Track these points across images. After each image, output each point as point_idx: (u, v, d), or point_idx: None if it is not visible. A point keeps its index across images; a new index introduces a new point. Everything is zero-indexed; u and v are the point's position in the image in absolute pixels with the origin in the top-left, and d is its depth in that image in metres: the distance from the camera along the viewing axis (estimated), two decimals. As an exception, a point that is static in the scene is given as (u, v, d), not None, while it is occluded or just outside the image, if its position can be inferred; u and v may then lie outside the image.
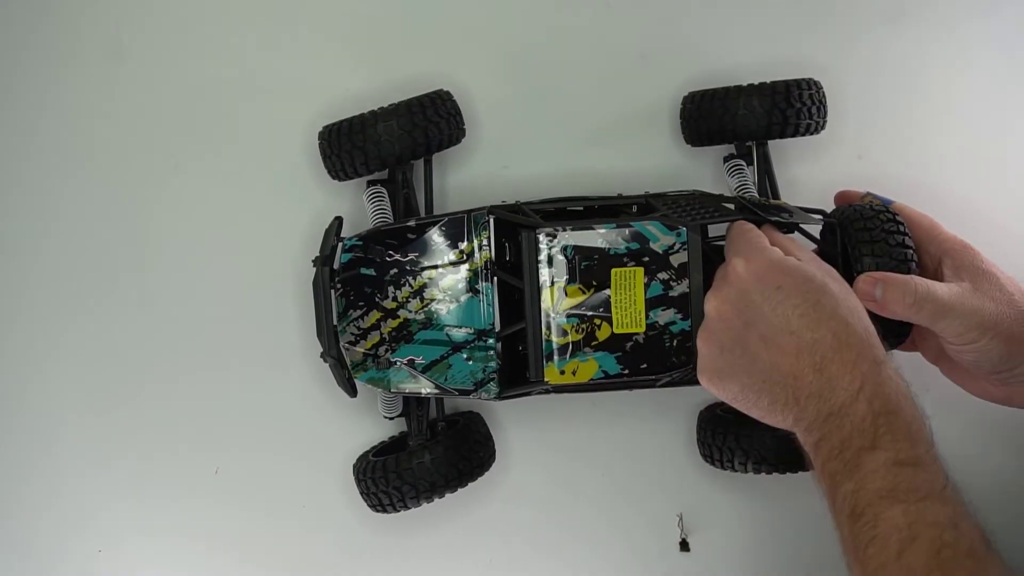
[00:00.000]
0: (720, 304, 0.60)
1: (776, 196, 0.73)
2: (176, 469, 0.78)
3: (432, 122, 0.69)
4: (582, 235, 0.64)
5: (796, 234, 0.69)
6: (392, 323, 0.68)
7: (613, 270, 0.64)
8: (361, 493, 0.72)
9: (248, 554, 0.79)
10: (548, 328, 0.65)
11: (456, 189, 0.78)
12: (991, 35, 0.80)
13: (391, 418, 0.74)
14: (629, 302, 0.64)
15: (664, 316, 0.64)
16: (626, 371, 0.65)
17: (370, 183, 0.73)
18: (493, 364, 0.67)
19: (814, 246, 0.69)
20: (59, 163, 0.78)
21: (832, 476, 0.54)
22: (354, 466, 0.73)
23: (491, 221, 0.66)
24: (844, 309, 0.58)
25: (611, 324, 0.64)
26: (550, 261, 0.64)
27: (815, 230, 0.69)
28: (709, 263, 0.65)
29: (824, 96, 0.72)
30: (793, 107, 0.70)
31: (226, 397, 0.78)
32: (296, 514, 0.79)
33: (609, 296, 0.64)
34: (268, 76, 0.78)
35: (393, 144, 0.68)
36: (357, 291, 0.68)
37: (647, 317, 0.64)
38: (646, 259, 0.64)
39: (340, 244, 0.69)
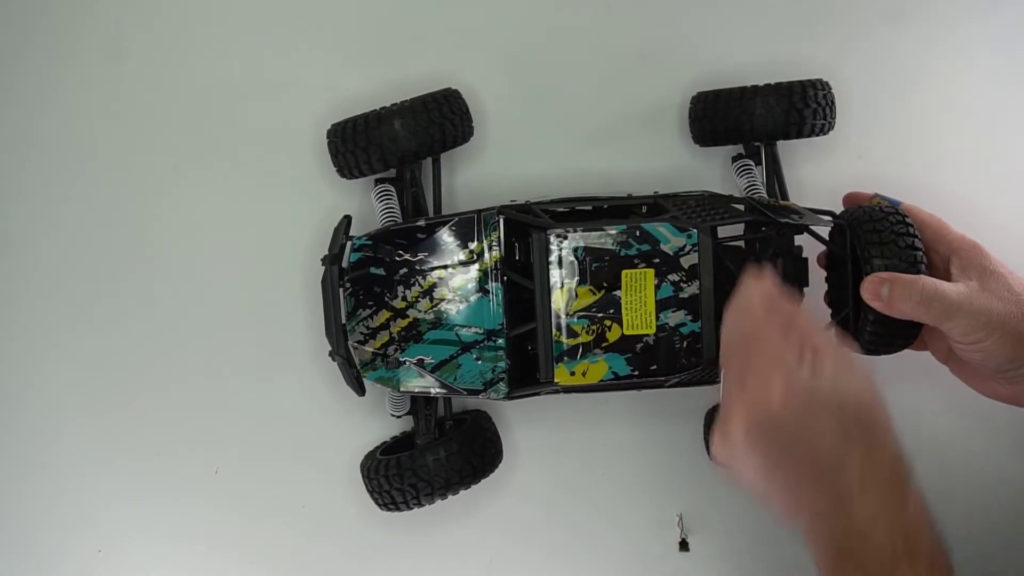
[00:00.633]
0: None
1: (785, 197, 0.74)
2: (176, 469, 0.78)
3: (442, 120, 0.69)
4: (592, 236, 0.64)
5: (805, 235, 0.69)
6: (401, 322, 0.67)
7: (624, 271, 0.64)
8: (370, 491, 0.71)
9: (248, 554, 0.78)
10: (558, 329, 0.64)
11: (464, 188, 0.78)
12: (991, 35, 0.80)
13: (398, 416, 0.73)
14: (639, 303, 0.64)
15: (674, 318, 0.64)
16: (636, 372, 0.65)
17: (378, 181, 0.72)
18: (503, 364, 0.66)
19: (822, 248, 0.70)
20: (59, 163, 0.78)
21: None
22: (362, 464, 0.73)
23: (501, 221, 0.66)
24: None
25: (621, 325, 0.64)
26: (560, 262, 0.64)
27: (824, 231, 0.69)
28: (719, 264, 0.65)
29: (833, 97, 0.72)
30: (809, 107, 0.70)
31: (228, 396, 0.78)
32: (296, 514, 0.78)
33: (619, 297, 0.64)
34: (270, 75, 0.78)
35: (403, 142, 0.68)
36: (366, 290, 0.68)
37: (657, 319, 0.64)
38: (656, 260, 0.64)
39: (349, 243, 0.68)
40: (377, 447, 0.76)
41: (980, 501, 0.79)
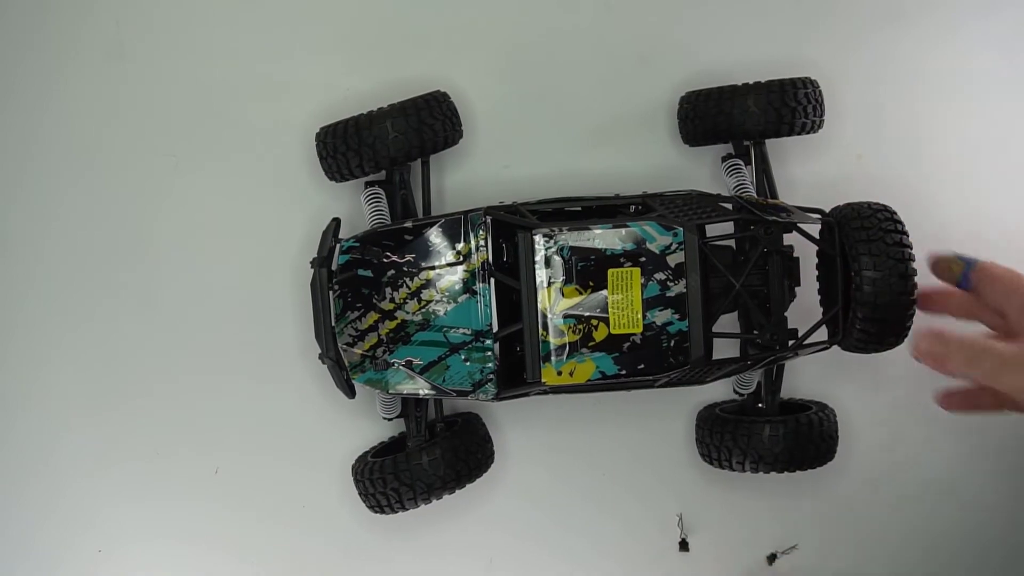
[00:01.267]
0: None
1: (774, 195, 0.73)
2: (176, 470, 0.79)
3: (428, 123, 0.69)
4: (579, 236, 0.64)
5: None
6: (390, 324, 0.68)
7: (610, 270, 0.64)
8: (360, 494, 0.72)
9: (248, 554, 0.79)
10: (545, 329, 0.64)
11: (454, 190, 0.78)
12: (991, 36, 0.80)
13: (390, 419, 0.74)
14: (626, 302, 0.64)
15: (661, 316, 0.64)
16: (623, 372, 0.65)
17: (368, 184, 0.73)
18: (491, 365, 0.66)
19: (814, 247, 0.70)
20: (59, 163, 0.79)
21: None
22: (353, 467, 0.73)
23: (488, 222, 0.66)
24: None
25: (608, 325, 0.64)
26: (547, 262, 0.64)
27: (813, 230, 0.69)
28: (706, 263, 0.65)
29: (821, 95, 0.72)
30: (789, 106, 0.70)
31: (225, 398, 0.79)
32: (296, 515, 0.79)
33: (606, 297, 0.64)
34: (265, 77, 0.79)
35: (390, 145, 0.68)
36: (354, 292, 0.68)
37: (644, 317, 0.64)
38: (643, 259, 0.64)
39: (338, 245, 0.69)
40: (370, 449, 0.76)
41: (966, 501, 0.79)
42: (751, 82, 0.71)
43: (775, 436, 0.69)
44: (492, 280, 0.66)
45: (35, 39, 0.79)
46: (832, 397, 0.77)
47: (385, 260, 0.68)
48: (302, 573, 0.79)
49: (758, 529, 0.79)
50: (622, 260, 0.64)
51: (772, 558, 0.78)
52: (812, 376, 0.78)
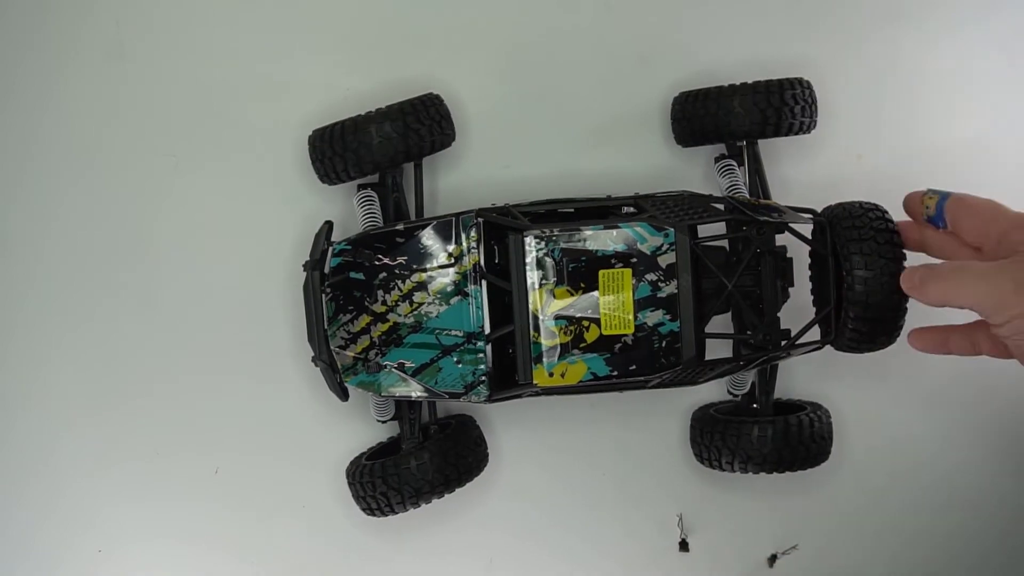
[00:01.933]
0: None
1: (767, 196, 0.73)
2: (176, 470, 0.79)
3: (415, 128, 0.69)
4: (570, 237, 0.64)
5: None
6: (382, 327, 0.68)
7: (601, 271, 0.64)
8: (353, 496, 0.72)
9: (248, 554, 0.79)
10: (536, 330, 0.64)
11: (447, 192, 0.78)
12: (991, 36, 0.79)
13: (384, 422, 0.74)
14: (617, 303, 0.64)
15: (653, 317, 0.64)
16: (615, 373, 0.65)
17: (360, 187, 0.73)
18: (483, 367, 0.67)
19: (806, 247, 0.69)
20: (59, 163, 0.79)
21: None
22: (347, 469, 0.74)
23: (480, 224, 0.66)
24: None
25: (599, 326, 0.64)
26: (538, 263, 0.64)
27: (806, 230, 0.68)
28: (698, 264, 0.65)
29: (814, 95, 0.71)
30: (775, 107, 0.69)
31: (225, 398, 0.79)
32: (296, 515, 0.79)
33: (597, 298, 0.64)
34: (265, 77, 0.79)
35: (381, 148, 0.68)
36: (346, 295, 0.68)
37: (636, 318, 0.64)
38: (634, 260, 0.64)
39: (330, 248, 0.69)
40: (365, 451, 0.76)
41: (960, 500, 0.79)
42: (743, 82, 0.71)
43: (763, 436, 0.69)
44: (484, 282, 0.66)
45: (35, 39, 0.79)
46: (829, 398, 0.76)
47: (377, 263, 0.68)
48: (302, 573, 0.79)
49: (758, 529, 0.79)
50: (613, 261, 0.64)
51: (773, 559, 0.78)
52: (809, 376, 0.78)
